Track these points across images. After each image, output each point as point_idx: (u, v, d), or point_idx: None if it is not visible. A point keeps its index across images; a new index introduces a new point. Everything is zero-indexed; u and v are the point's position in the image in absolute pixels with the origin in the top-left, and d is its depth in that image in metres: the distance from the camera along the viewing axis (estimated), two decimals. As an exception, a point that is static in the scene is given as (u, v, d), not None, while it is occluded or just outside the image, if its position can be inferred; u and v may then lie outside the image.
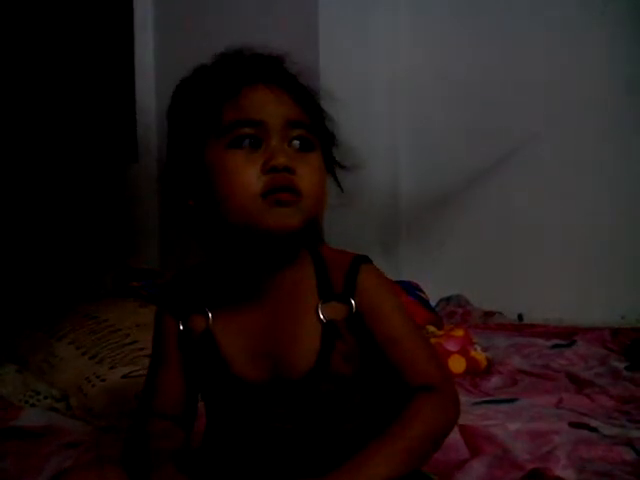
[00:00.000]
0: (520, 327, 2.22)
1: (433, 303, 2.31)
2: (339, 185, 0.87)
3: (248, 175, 0.77)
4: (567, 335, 2.01)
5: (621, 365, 1.71)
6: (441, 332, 1.78)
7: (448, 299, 2.50)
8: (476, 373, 1.67)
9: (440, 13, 2.59)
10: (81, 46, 2.23)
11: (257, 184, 0.77)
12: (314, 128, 0.83)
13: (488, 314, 2.39)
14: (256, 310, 0.84)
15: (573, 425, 1.26)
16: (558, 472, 1.05)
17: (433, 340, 1.68)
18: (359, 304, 0.83)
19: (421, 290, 2.19)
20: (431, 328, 1.85)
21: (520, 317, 2.43)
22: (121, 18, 2.47)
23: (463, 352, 1.69)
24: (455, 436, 1.16)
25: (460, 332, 1.74)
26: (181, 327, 0.87)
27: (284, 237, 0.79)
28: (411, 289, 2.14)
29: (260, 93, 0.80)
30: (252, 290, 0.84)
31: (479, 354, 1.72)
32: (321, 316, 0.82)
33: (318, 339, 0.82)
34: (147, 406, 0.90)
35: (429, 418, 0.80)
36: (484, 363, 1.70)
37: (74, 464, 1.11)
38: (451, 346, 1.68)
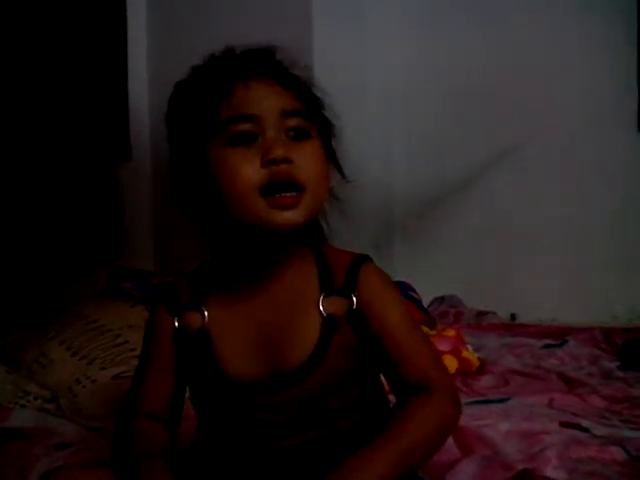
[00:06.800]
0: (512, 327, 2.22)
1: (426, 303, 2.31)
2: (341, 172, 0.87)
3: (247, 171, 0.78)
4: (559, 335, 2.01)
5: (613, 365, 1.71)
6: (433, 332, 1.78)
7: (441, 299, 2.50)
8: (468, 373, 1.67)
9: (436, 13, 2.58)
10: (73, 45, 2.22)
11: (256, 178, 0.77)
12: (310, 116, 0.82)
13: (481, 314, 2.39)
14: (256, 305, 0.84)
15: (564, 425, 1.26)
16: (549, 472, 1.05)
17: (425, 340, 1.67)
18: (360, 300, 0.83)
19: (414, 290, 2.19)
20: (424, 328, 1.85)
21: (513, 317, 2.43)
22: (114, 17, 2.46)
23: (455, 352, 1.69)
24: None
25: (452, 332, 1.74)
26: (176, 324, 0.87)
27: (288, 233, 0.80)
28: (404, 289, 2.14)
29: (252, 87, 0.80)
30: (253, 285, 0.85)
31: (471, 354, 1.72)
32: (322, 309, 0.83)
33: (317, 332, 0.82)
34: (134, 405, 0.89)
35: (427, 419, 0.80)
36: (476, 363, 1.70)
37: (64, 465, 1.10)
38: (443, 346, 1.68)
